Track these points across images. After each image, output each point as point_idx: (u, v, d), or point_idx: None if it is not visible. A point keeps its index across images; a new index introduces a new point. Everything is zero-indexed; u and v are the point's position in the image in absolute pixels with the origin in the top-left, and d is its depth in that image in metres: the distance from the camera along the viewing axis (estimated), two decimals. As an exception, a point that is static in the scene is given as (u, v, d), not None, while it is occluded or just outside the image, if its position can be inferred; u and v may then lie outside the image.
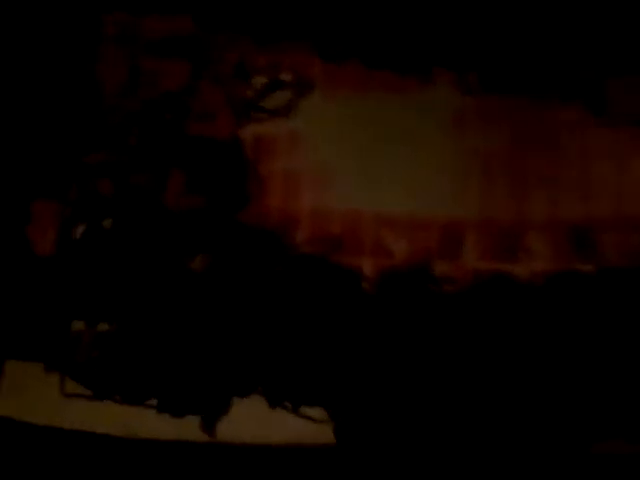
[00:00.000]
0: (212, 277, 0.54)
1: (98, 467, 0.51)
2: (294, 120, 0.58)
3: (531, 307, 0.52)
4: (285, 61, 0.59)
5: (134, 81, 0.59)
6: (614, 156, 0.56)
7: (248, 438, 0.51)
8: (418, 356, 0.51)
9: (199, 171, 0.57)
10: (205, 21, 0.61)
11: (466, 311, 0.52)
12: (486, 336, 0.52)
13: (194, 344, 0.53)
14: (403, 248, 0.54)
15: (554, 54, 0.57)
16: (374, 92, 0.58)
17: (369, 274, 0.54)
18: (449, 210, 0.55)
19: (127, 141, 0.58)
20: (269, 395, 0.52)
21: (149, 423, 0.51)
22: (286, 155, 0.57)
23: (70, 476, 0.51)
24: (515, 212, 0.55)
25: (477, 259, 0.54)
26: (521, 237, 0.54)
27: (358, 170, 0.56)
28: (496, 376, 0.51)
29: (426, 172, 0.56)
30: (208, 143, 0.57)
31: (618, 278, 0.53)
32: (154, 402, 0.52)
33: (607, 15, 0.57)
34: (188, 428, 0.51)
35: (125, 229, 0.56)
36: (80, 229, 0.56)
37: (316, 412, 0.51)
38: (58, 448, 0.52)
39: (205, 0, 0.61)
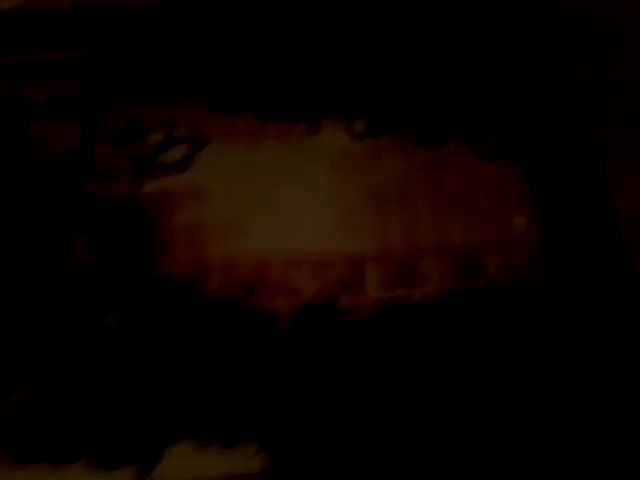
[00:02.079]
0: (126, 332, 0.55)
1: None
2: (193, 173, 0.60)
3: (427, 325, 0.57)
4: (179, 118, 0.61)
5: (25, 146, 0.59)
6: (490, 186, 0.62)
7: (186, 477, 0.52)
8: (334, 380, 0.55)
9: (103, 231, 0.58)
10: (94, 84, 0.62)
11: (372, 335, 0.56)
12: (388, 354, 0.56)
13: (117, 398, 0.53)
14: (311, 286, 0.58)
15: (431, 99, 0.63)
16: (267, 141, 0.62)
17: (283, 313, 0.57)
18: (349, 247, 0.59)
19: (24, 206, 0.58)
20: (200, 437, 0.53)
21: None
22: (188, 208, 0.59)
23: None
24: (407, 243, 0.60)
25: (378, 289, 0.58)
26: (415, 265, 0.59)
27: (259, 216, 0.59)
28: (399, 387, 0.55)
29: (324, 213, 0.60)
30: (109, 202, 0.59)
31: (502, 293, 0.59)
32: (84, 461, 0.52)
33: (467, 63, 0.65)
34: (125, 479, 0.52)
35: (32, 294, 0.55)
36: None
37: (248, 447, 0.53)
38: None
39: (94, 64, 0.62)
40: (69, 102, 0.61)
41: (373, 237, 0.60)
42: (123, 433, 0.53)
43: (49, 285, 0.55)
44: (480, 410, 0.55)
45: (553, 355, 0.57)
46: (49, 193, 0.58)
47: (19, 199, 0.58)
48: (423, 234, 0.60)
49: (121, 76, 0.62)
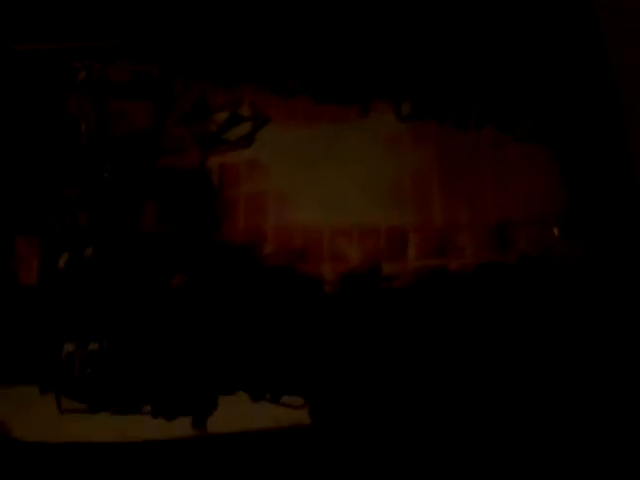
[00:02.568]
0: (191, 292, 0.62)
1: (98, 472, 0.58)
2: (254, 149, 0.67)
3: (463, 294, 0.63)
4: (243, 98, 0.68)
5: (105, 121, 0.67)
6: (520, 168, 0.67)
7: (236, 429, 0.59)
8: (374, 344, 0.61)
9: (171, 199, 0.65)
10: (170, 67, 0.69)
11: (411, 302, 0.62)
12: (428, 321, 0.62)
13: (180, 353, 0.61)
14: (356, 253, 0.64)
15: (473, 86, 0.68)
16: (321, 122, 0.68)
17: (329, 278, 0.63)
18: (392, 218, 0.65)
19: (102, 176, 0.65)
20: (251, 390, 0.60)
21: (144, 428, 0.59)
22: (249, 181, 0.66)
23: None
24: (445, 217, 0.65)
25: (417, 258, 0.64)
26: (452, 237, 0.65)
27: (312, 189, 0.66)
28: (436, 353, 0.61)
29: (371, 187, 0.66)
30: (178, 174, 0.66)
31: (533, 265, 0.64)
32: (147, 409, 0.59)
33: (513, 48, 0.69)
34: (181, 428, 0.59)
35: (106, 255, 0.63)
36: (64, 259, 0.62)
37: (294, 400, 0.60)
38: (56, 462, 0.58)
39: (170, 49, 0.69)
40: (147, 83, 0.68)
41: (415, 210, 0.65)
42: (183, 385, 0.60)
43: (122, 248, 0.63)
44: (504, 375, 0.60)
45: (577, 326, 0.62)
46: (124, 165, 0.65)
47: (99, 170, 0.65)
48: (460, 209, 0.65)
49: (193, 59, 0.69)
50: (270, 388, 0.60)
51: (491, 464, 0.58)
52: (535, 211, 0.65)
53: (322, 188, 0.66)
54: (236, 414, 0.59)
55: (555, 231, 0.65)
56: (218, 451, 0.58)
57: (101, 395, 0.59)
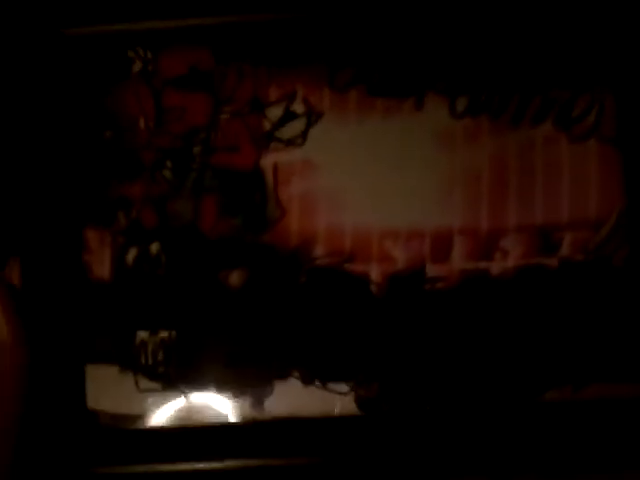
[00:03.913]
0: (247, 290, 0.67)
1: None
2: (306, 147, 0.68)
3: (505, 297, 0.66)
4: (296, 92, 0.68)
5: (161, 117, 0.69)
6: (574, 168, 0.67)
7: (288, 412, 0.66)
8: (418, 341, 0.66)
9: (228, 199, 0.68)
10: (224, 56, 0.69)
11: (455, 304, 0.66)
12: (470, 322, 0.66)
13: (240, 343, 0.67)
14: (403, 255, 0.67)
15: (529, 81, 0.67)
16: (375, 117, 0.68)
17: (376, 279, 0.67)
18: (438, 220, 0.67)
19: (162, 174, 0.68)
20: (303, 376, 0.66)
21: (209, 406, 0.66)
22: (302, 181, 0.68)
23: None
24: (493, 220, 0.67)
25: (462, 260, 0.67)
26: (497, 240, 0.67)
27: (362, 189, 0.68)
28: (476, 350, 0.65)
29: (418, 187, 0.67)
30: (234, 173, 0.68)
31: (576, 270, 0.66)
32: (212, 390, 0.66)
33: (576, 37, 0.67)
34: (242, 408, 0.66)
35: (170, 252, 0.67)
36: (132, 254, 0.67)
37: (341, 387, 0.66)
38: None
39: (221, 32, 0.69)
40: (201, 75, 0.69)
41: (462, 212, 0.67)
42: (243, 369, 0.66)
43: (183, 247, 0.67)
44: (542, 377, 0.65)
45: (620, 329, 0.65)
46: (179, 163, 0.68)
47: (159, 167, 0.68)
48: (508, 212, 0.67)
49: (248, 47, 0.69)
50: (319, 375, 0.66)
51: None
52: (581, 215, 0.66)
53: (372, 188, 0.68)
54: (289, 398, 0.66)
55: (602, 234, 0.66)
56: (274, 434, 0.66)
57: (172, 377, 0.66)
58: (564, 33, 0.67)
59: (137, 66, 0.70)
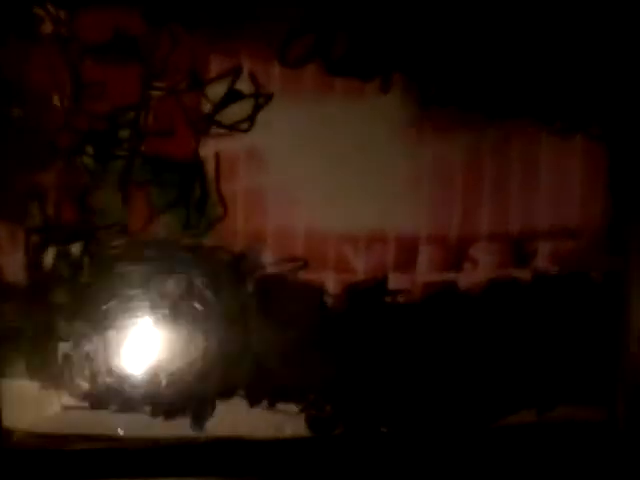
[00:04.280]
0: (186, 299, 0.58)
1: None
2: (253, 133, 0.58)
3: (472, 312, 0.60)
4: (242, 67, 0.58)
5: (80, 92, 0.57)
6: (556, 166, 0.59)
7: (232, 433, 0.59)
8: (376, 359, 0.59)
9: (162, 193, 0.58)
10: (154, 15, 0.57)
11: (418, 319, 0.59)
12: (433, 339, 0.59)
13: (177, 357, 0.59)
14: (362, 263, 0.59)
15: (510, 72, 0.58)
16: (332, 99, 0.58)
17: (333, 290, 0.59)
18: (403, 224, 0.59)
19: (82, 161, 0.58)
20: (249, 396, 0.59)
21: (143, 426, 0.59)
22: (247, 173, 0.58)
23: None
24: (464, 226, 0.59)
25: (428, 271, 0.59)
26: (467, 249, 0.60)
27: (317, 185, 0.59)
28: (437, 370, 0.60)
29: (382, 184, 0.59)
30: (168, 162, 0.58)
31: (550, 284, 0.60)
32: (147, 409, 0.59)
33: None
34: (179, 429, 0.59)
35: (94, 255, 0.58)
36: (49, 255, 0.58)
37: (291, 407, 0.60)
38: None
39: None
40: (128, 41, 0.57)
41: (431, 216, 0.59)
42: (182, 387, 0.59)
43: (106, 249, 0.58)
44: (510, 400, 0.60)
45: (593, 349, 0.60)
46: (102, 149, 0.58)
47: (77, 154, 0.58)
48: (481, 218, 0.59)
49: (183, 6, 0.57)
50: (267, 395, 0.59)
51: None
52: (561, 221, 0.60)
53: (328, 184, 0.59)
54: (233, 418, 0.59)
55: (582, 244, 0.60)
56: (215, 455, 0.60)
57: (102, 395, 0.59)
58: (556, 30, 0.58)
59: (47, 27, 0.57)
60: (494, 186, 0.59)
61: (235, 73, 0.58)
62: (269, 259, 0.59)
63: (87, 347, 0.59)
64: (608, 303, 0.60)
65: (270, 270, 0.59)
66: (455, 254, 0.59)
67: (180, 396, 0.59)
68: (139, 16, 0.57)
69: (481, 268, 0.60)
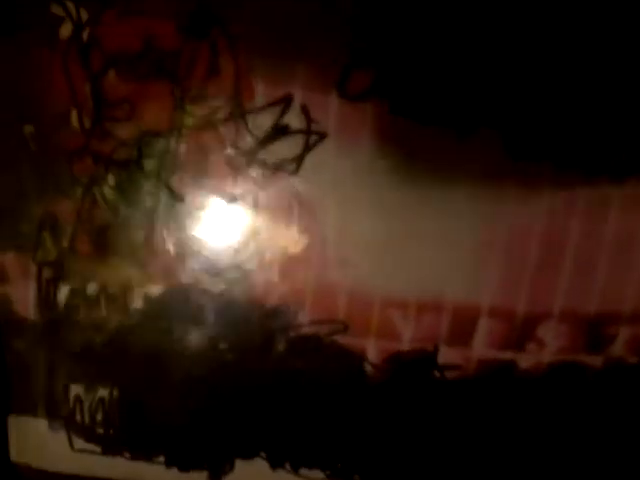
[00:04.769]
0: (212, 352, 0.53)
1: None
2: (299, 177, 0.50)
3: (529, 398, 0.52)
4: (293, 97, 0.48)
5: (101, 111, 0.49)
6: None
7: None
8: (414, 436, 0.54)
9: (189, 240, 0.51)
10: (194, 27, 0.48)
11: (467, 399, 0.53)
12: (481, 422, 0.53)
13: (199, 411, 0.54)
14: (410, 331, 0.52)
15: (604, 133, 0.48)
16: (394, 144, 0.49)
17: (374, 358, 0.52)
18: (463, 292, 0.51)
19: (101, 192, 0.50)
20: (271, 458, 0.55)
21: (158, 475, 0.55)
22: (289, 221, 0.51)
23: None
24: (532, 301, 0.51)
25: (485, 347, 0.52)
26: (534, 327, 0.52)
27: (366, 240, 0.51)
28: (482, 455, 0.53)
29: (444, 248, 0.51)
30: (198, 202, 0.50)
31: (624, 374, 0.52)
32: (162, 458, 0.55)
33: None
34: (194, 481, 0.56)
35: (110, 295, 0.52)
36: (63, 294, 0.52)
37: (316, 473, 0.55)
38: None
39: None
40: (160, 55, 0.48)
41: (495, 287, 0.51)
42: (200, 440, 0.54)
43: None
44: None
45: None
46: (127, 181, 0.50)
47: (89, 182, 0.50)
48: (553, 294, 0.51)
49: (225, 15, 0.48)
50: (290, 458, 0.55)
51: None
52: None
53: (379, 240, 0.51)
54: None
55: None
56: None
57: (114, 440, 0.55)
58: None
59: (66, 30, 0.48)
60: (577, 258, 0.51)
61: (284, 103, 0.49)
62: (306, 318, 0.52)
63: (101, 392, 0.54)
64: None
65: (306, 331, 0.52)
66: (519, 332, 0.52)
67: (197, 448, 0.55)
68: (172, 25, 0.48)
69: (547, 350, 0.52)
